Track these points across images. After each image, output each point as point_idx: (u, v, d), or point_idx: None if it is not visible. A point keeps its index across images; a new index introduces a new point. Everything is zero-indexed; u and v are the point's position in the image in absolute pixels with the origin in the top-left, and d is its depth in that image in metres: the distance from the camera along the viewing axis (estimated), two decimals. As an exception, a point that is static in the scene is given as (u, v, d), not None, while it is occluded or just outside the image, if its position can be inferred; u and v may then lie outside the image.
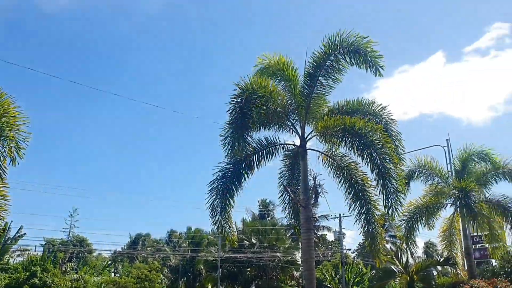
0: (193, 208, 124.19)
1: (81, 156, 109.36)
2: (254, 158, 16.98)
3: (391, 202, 14.45)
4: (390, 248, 41.41)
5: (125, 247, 60.99)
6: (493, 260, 27.41)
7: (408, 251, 22.90)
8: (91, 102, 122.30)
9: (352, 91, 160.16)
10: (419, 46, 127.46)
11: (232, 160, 16.38)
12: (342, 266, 40.31)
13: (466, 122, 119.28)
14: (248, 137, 15.72)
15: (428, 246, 56.09)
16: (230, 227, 16.56)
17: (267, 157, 17.26)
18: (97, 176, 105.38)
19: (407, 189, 22.24)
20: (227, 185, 16.45)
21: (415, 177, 22.19)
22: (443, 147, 25.97)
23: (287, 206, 18.58)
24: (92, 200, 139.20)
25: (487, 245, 22.43)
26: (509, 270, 23.89)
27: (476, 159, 21.50)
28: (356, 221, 16.01)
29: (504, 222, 20.87)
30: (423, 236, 72.56)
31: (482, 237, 23.82)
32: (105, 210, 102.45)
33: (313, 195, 16.22)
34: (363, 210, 15.68)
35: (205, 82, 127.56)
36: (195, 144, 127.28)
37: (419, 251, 50.96)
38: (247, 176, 16.72)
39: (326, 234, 55.65)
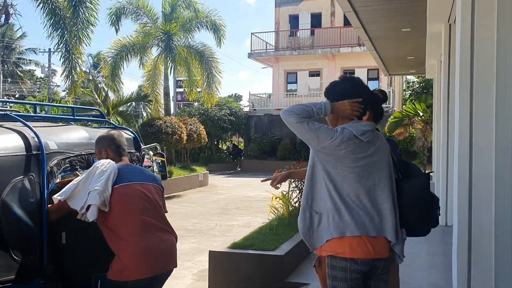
0: None
1: None
2: None
3: (78, 31, 14.12)
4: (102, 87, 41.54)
5: None
6: (196, 104, 31.15)
7: (114, 88, 23.19)
8: None
9: None
10: None
11: None
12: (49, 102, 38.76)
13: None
14: None
15: (140, 88, 58.61)
16: None
17: None
18: None
19: (117, 27, 21.94)
20: None
21: (125, 14, 21.81)
22: (158, -11, 26.10)
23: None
24: None
25: (186, 89, 24.47)
26: (202, 112, 27.90)
27: (184, 5, 22.34)
28: (57, 51, 15.44)
29: (201, 69, 22.88)
30: (138, 79, 75.22)
31: (183, 81, 26.17)
32: None
33: (3, 15, 14.29)
34: (63, 39, 15.00)
35: None
36: None
37: (128, 92, 52.85)
38: None
39: (34, 70, 51.50)
